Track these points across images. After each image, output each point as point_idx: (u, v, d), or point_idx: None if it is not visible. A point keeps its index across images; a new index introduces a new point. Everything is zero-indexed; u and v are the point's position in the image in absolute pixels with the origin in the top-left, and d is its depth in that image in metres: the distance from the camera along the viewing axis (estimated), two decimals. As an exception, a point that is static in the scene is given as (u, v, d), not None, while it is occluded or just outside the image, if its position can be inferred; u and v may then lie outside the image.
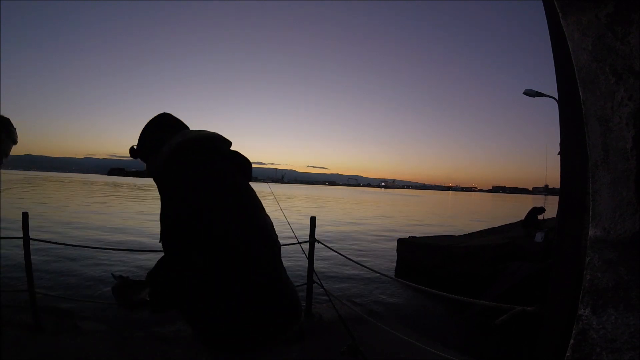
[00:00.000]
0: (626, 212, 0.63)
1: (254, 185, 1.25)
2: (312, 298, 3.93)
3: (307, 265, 3.89)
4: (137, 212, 20.19)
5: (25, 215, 2.96)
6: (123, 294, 1.13)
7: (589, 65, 0.67)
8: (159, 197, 1.10)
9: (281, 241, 1.28)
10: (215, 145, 1.19)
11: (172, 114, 1.27)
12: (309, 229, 3.79)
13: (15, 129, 1.68)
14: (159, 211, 1.08)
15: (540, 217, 10.61)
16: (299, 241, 3.09)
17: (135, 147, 1.24)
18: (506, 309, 1.72)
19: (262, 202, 1.25)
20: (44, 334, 2.86)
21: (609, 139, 0.65)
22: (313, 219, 3.89)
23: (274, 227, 1.25)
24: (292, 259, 8.88)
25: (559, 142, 0.96)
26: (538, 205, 10.91)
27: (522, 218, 11.25)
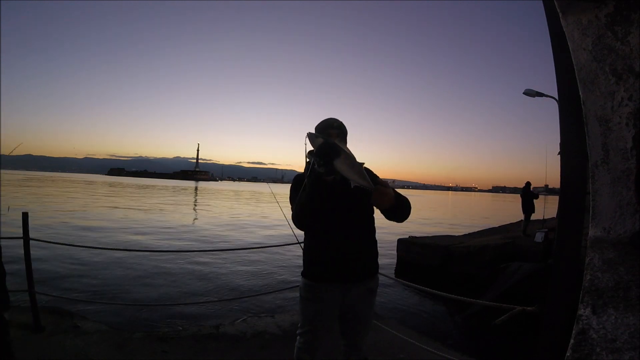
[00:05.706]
0: (626, 212, 0.63)
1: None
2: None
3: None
4: (136, 211, 20.19)
5: (25, 215, 2.95)
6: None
7: (589, 65, 0.67)
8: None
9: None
10: None
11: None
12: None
13: None
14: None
15: (535, 200, 10.72)
16: (299, 241, 3.08)
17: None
18: (506, 309, 1.72)
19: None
20: (44, 334, 2.85)
21: (609, 139, 0.65)
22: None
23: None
24: (292, 259, 8.90)
25: (559, 142, 0.96)
26: (537, 204, 10.90)
27: (522, 218, 11.26)
